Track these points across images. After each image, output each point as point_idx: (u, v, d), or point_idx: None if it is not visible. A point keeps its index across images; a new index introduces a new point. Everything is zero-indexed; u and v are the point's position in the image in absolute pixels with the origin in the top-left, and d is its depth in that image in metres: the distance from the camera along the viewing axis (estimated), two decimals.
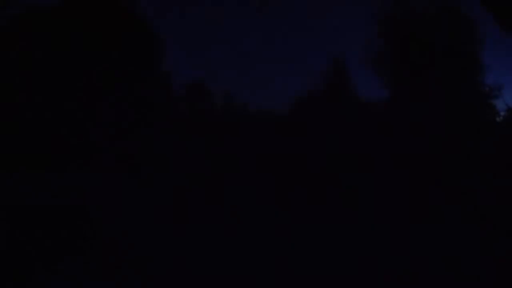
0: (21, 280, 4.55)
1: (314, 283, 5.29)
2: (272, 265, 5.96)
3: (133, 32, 19.79)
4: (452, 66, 15.29)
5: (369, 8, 16.64)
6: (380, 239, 7.79)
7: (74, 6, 18.83)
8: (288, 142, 22.26)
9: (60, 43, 17.73)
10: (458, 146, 13.08)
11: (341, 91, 22.04)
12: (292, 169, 19.80)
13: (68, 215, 8.47)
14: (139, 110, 18.90)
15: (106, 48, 18.12)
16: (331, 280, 5.36)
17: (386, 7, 16.37)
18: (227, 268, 5.67)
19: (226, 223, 9.35)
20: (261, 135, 25.10)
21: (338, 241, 7.58)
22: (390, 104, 17.39)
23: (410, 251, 6.91)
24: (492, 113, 16.03)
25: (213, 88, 37.60)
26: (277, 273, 5.57)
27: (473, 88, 15.82)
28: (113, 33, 18.66)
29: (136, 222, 8.73)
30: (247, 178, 18.43)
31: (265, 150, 22.90)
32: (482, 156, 12.37)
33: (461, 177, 12.18)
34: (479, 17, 14.90)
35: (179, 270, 5.33)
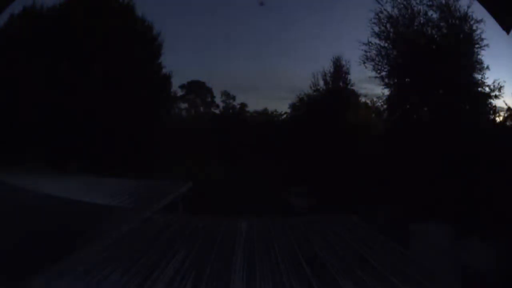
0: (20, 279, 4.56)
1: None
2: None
3: (133, 32, 19.79)
4: (452, 66, 15.28)
5: (369, 8, 16.62)
6: (379, 238, 7.80)
7: (74, 7, 18.84)
8: (288, 142, 22.26)
9: (60, 43, 17.73)
10: (457, 146, 13.08)
11: (341, 91, 22.05)
12: (291, 169, 19.83)
13: (69, 214, 8.48)
14: (139, 110, 18.90)
15: (106, 48, 18.12)
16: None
17: (385, 7, 16.41)
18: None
19: (225, 221, 9.37)
20: (260, 135, 25.07)
21: (339, 240, 7.60)
22: (390, 103, 17.43)
23: (410, 250, 6.92)
24: (492, 113, 16.03)
25: (213, 88, 37.38)
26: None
27: (473, 88, 15.82)
28: (113, 33, 18.66)
29: (136, 221, 8.73)
30: (247, 178, 18.39)
31: (265, 150, 22.85)
32: (482, 156, 12.36)
33: (461, 177, 12.18)
34: (479, 16, 14.90)
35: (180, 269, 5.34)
